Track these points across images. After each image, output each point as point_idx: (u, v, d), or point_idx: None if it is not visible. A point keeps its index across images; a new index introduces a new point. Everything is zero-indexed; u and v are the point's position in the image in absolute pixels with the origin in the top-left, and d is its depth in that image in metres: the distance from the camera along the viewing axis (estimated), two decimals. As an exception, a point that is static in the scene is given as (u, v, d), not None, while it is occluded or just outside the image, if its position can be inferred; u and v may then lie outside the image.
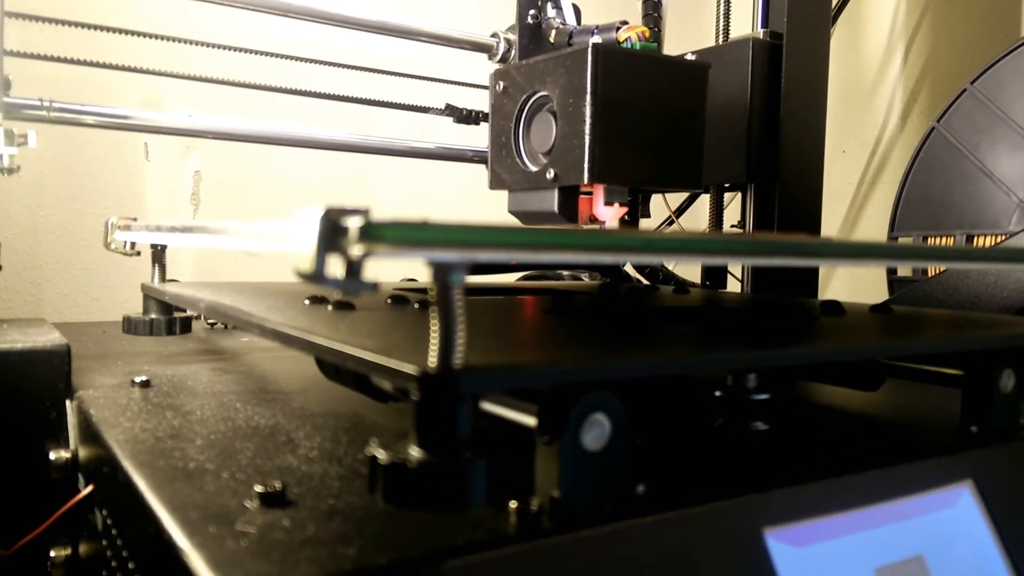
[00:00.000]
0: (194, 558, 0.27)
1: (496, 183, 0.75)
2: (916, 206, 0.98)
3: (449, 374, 0.24)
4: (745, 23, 0.91)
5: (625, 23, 0.72)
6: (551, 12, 0.79)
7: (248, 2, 0.83)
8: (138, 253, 0.74)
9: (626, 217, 0.89)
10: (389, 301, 0.51)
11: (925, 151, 0.98)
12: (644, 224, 0.91)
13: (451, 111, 1.00)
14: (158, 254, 0.73)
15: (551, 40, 0.78)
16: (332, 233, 0.23)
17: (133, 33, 0.82)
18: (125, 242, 0.73)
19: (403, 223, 0.23)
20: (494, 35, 0.94)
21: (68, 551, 0.51)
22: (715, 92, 0.85)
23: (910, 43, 1.30)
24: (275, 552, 0.27)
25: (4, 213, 1.04)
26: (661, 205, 0.99)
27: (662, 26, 0.84)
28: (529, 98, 0.71)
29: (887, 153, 1.33)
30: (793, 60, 0.85)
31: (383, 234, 0.22)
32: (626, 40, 0.71)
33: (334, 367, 0.41)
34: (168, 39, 0.83)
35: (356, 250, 0.23)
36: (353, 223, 0.23)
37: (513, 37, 0.87)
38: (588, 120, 0.64)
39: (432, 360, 0.25)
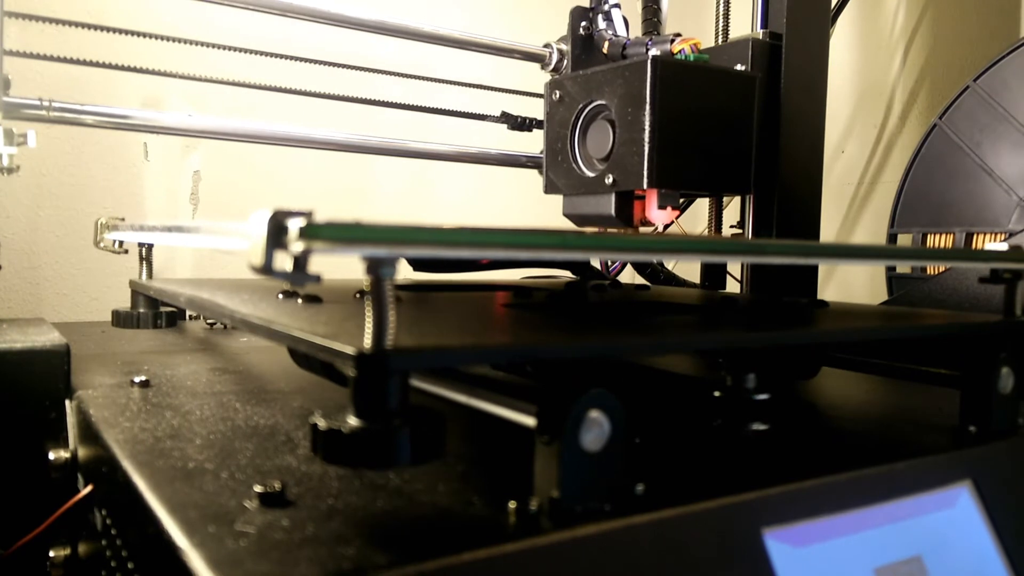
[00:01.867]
0: (193, 558, 0.27)
1: (550, 188, 0.77)
2: (916, 203, 0.98)
3: (380, 354, 0.28)
4: (744, 23, 0.91)
5: (678, 35, 0.75)
6: (602, 24, 0.81)
7: (280, 7, 0.83)
8: (126, 251, 0.78)
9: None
10: (357, 295, 0.55)
11: (926, 148, 0.98)
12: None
13: (506, 118, 1.01)
14: (145, 252, 0.77)
15: (604, 51, 0.80)
16: (278, 232, 0.26)
17: (133, 33, 0.82)
18: (114, 241, 0.77)
19: (337, 224, 0.26)
20: (547, 46, 0.96)
21: (67, 551, 0.51)
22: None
23: (909, 44, 1.30)
24: (274, 552, 0.27)
25: (3, 213, 1.04)
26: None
27: (662, 28, 0.84)
28: (586, 107, 0.72)
29: (887, 153, 1.33)
30: (792, 60, 0.85)
31: (320, 233, 0.26)
32: (680, 51, 0.73)
33: (304, 356, 0.44)
34: (171, 39, 0.83)
35: (298, 246, 0.26)
36: (294, 223, 0.26)
37: (565, 47, 0.89)
38: (647, 128, 0.66)
39: (367, 342, 0.28)
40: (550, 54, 0.96)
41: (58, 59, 0.78)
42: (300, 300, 0.49)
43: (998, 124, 0.91)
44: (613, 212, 0.71)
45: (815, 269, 0.94)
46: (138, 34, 0.82)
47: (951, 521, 0.40)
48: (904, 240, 1.00)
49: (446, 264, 0.81)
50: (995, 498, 0.42)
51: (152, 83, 1.05)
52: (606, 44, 0.80)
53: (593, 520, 0.30)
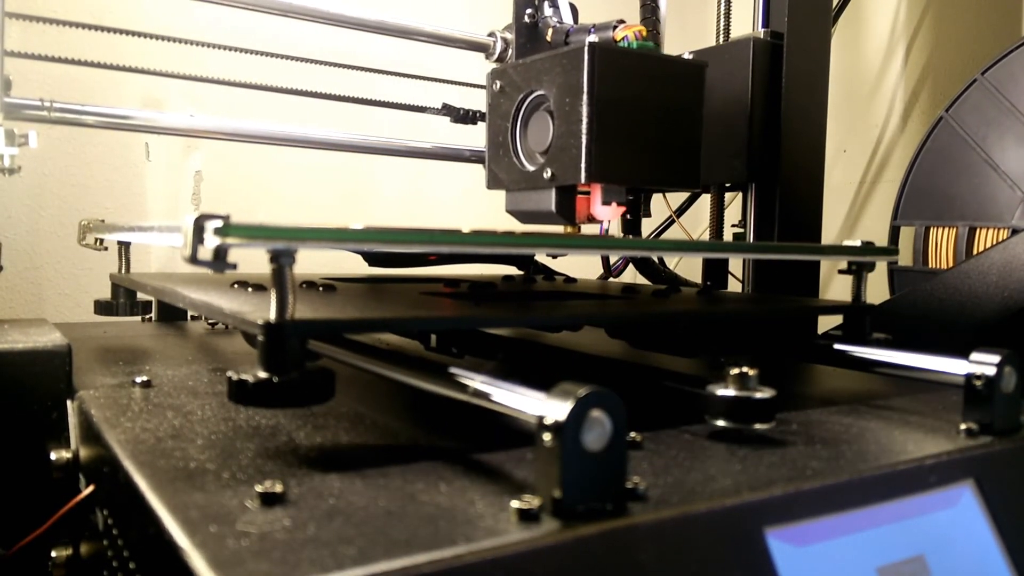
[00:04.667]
0: (195, 558, 0.27)
1: (493, 183, 0.74)
2: (920, 196, 0.98)
3: (281, 323, 0.36)
4: (746, 23, 0.91)
5: (622, 22, 0.72)
6: (548, 11, 0.78)
7: (248, 2, 0.83)
8: (106, 248, 0.83)
9: (627, 216, 0.89)
10: (303, 285, 0.63)
11: (932, 141, 0.97)
12: (645, 223, 0.91)
13: (448, 111, 1.00)
14: (124, 249, 0.82)
15: (548, 39, 0.77)
16: (200, 230, 0.34)
17: (133, 33, 0.82)
18: (94, 239, 0.83)
19: (244, 224, 0.34)
20: (491, 34, 0.94)
21: (69, 551, 0.51)
22: (716, 92, 0.85)
23: (911, 43, 1.30)
24: (276, 552, 0.27)
25: (5, 213, 1.04)
26: (662, 205, 0.99)
27: (661, 28, 0.84)
28: (526, 97, 0.70)
29: (888, 152, 1.33)
30: (794, 60, 0.85)
31: (231, 231, 0.33)
32: (623, 39, 0.70)
33: (252, 336, 0.51)
34: (168, 39, 0.83)
35: (214, 241, 0.34)
36: (212, 224, 0.34)
37: (510, 36, 0.87)
38: (585, 119, 0.63)
39: (272, 315, 0.36)
40: (494, 43, 0.93)
41: (58, 59, 0.78)
42: (249, 289, 0.57)
43: (1004, 118, 0.90)
44: (554, 208, 0.68)
45: (816, 266, 0.94)
46: (139, 34, 0.82)
47: (953, 520, 0.40)
48: (907, 233, 1.00)
49: (394, 259, 0.83)
50: (997, 497, 0.42)
51: (153, 83, 1.05)
52: (550, 31, 0.77)
53: (595, 520, 0.30)
